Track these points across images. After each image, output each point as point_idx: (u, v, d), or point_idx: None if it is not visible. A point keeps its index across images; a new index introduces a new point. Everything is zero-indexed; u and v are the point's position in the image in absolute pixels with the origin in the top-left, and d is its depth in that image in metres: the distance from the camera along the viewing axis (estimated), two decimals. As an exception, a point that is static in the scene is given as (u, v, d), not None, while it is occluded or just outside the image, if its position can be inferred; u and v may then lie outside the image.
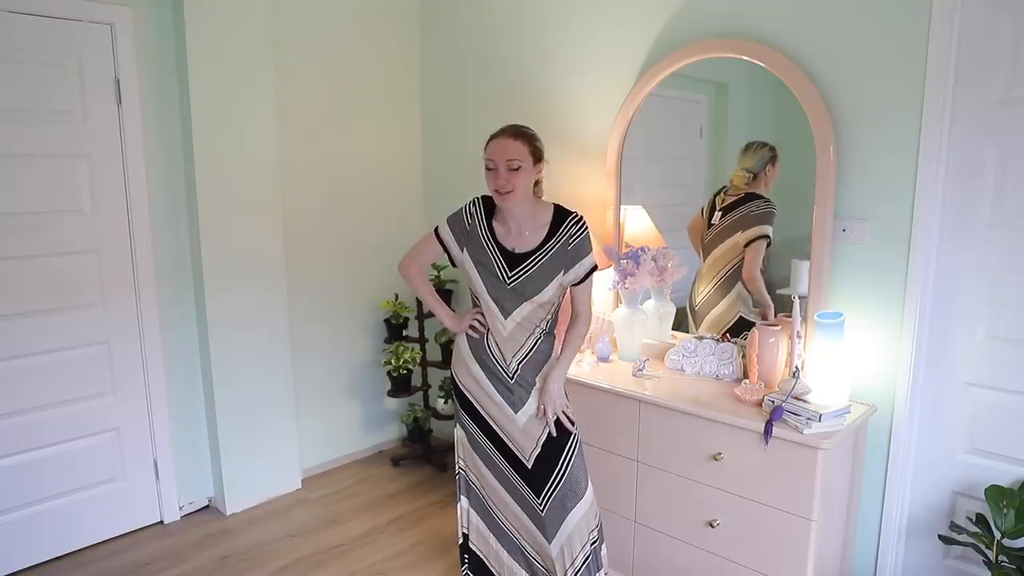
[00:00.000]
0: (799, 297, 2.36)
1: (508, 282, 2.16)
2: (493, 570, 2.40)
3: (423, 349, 3.72)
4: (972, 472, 2.26)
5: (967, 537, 2.16)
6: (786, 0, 2.43)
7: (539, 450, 2.21)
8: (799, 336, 2.34)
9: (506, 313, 2.18)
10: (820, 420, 2.08)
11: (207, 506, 3.38)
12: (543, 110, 3.23)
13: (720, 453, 2.27)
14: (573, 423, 2.24)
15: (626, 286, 2.75)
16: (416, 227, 3.96)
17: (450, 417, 3.54)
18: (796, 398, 2.17)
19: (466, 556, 2.43)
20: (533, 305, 2.16)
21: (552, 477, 2.20)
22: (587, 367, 2.77)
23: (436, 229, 2.27)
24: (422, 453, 3.82)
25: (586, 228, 2.17)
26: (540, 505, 2.22)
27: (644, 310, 2.83)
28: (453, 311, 2.46)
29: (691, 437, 2.34)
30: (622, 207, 2.97)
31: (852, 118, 2.33)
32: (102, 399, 2.99)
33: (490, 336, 2.22)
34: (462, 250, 2.22)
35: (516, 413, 2.21)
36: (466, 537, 2.42)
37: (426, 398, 3.84)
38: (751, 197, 2.63)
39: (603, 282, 2.90)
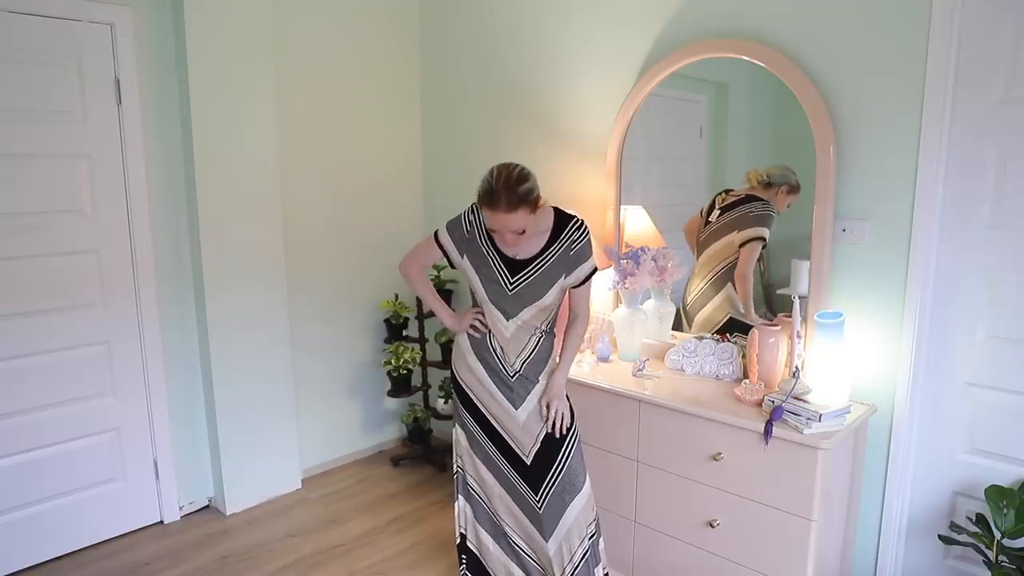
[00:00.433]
0: (799, 297, 2.36)
1: (510, 288, 2.16)
2: (490, 570, 2.40)
3: (423, 349, 3.72)
4: (972, 472, 2.26)
5: (967, 537, 2.16)
6: (786, 0, 2.43)
7: (538, 446, 2.22)
8: (799, 336, 2.35)
9: (508, 316, 2.18)
10: (820, 420, 2.08)
11: (207, 506, 3.38)
12: (543, 110, 3.23)
13: (720, 453, 2.27)
14: (572, 424, 2.24)
15: (626, 286, 2.75)
16: (416, 227, 3.97)
17: (450, 417, 3.54)
18: (796, 398, 2.17)
19: (464, 556, 2.43)
20: (535, 309, 2.17)
21: (551, 471, 2.21)
22: (587, 367, 2.77)
23: (436, 234, 2.26)
24: (422, 453, 3.82)
25: (588, 233, 2.17)
26: (538, 503, 2.22)
27: (644, 310, 2.84)
28: (453, 311, 2.46)
29: (691, 437, 2.34)
30: (622, 207, 2.97)
31: (852, 118, 2.33)
32: (102, 399, 2.99)
33: (492, 336, 2.22)
34: (462, 256, 2.22)
35: (517, 410, 2.22)
36: (463, 537, 2.43)
37: (426, 398, 3.84)
38: (752, 199, 2.63)
39: (603, 282, 2.90)
